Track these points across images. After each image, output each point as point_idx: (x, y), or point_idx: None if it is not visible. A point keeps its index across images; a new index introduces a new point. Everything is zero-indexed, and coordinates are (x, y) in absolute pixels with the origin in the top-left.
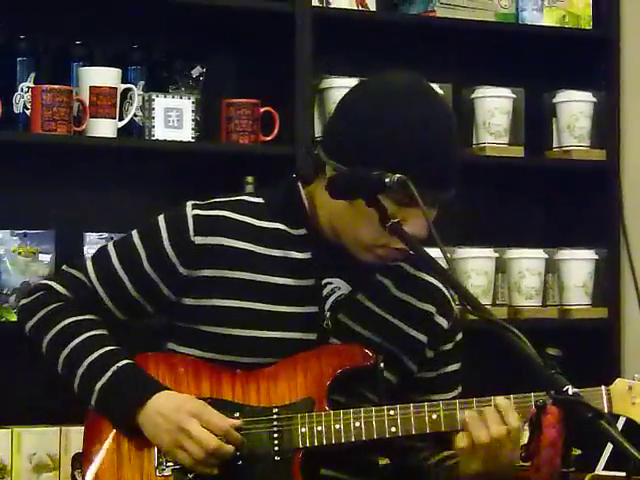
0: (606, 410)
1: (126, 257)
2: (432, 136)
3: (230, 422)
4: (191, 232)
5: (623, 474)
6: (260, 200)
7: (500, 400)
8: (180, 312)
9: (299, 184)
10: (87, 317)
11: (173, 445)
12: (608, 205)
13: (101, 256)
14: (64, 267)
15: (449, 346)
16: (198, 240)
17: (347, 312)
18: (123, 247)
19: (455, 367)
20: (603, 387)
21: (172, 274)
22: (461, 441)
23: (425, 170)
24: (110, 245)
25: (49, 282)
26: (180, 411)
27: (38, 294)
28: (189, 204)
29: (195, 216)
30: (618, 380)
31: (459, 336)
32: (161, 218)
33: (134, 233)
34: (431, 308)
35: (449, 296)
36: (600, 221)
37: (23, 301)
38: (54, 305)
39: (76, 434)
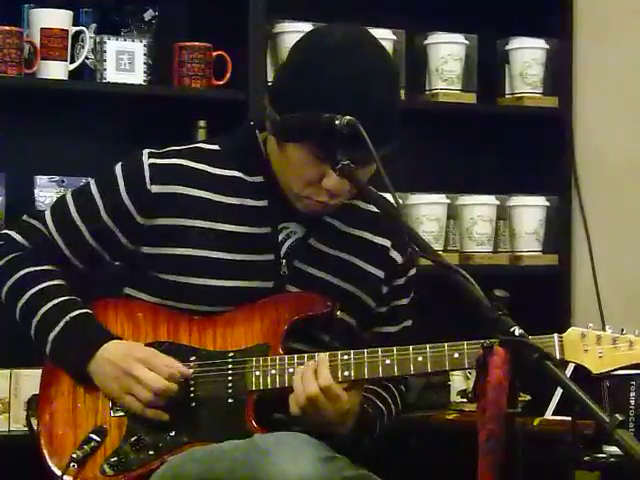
0: (558, 357)
1: (84, 207)
2: (367, 90)
3: (176, 366)
4: (147, 181)
5: (569, 418)
6: (216, 147)
7: (320, 355)
8: (138, 260)
9: (256, 131)
10: (45, 267)
11: (122, 391)
12: (560, 152)
13: (59, 206)
14: (24, 217)
15: (401, 281)
16: (154, 189)
17: (303, 258)
18: (81, 197)
19: (405, 301)
20: (555, 335)
21: (129, 223)
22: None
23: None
24: (68, 195)
25: (8, 232)
26: (127, 357)
27: None
28: (145, 152)
29: (151, 165)
30: (571, 328)
31: (412, 272)
32: (118, 167)
33: (92, 182)
34: (386, 242)
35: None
36: (552, 168)
37: None
38: (13, 255)
39: (26, 377)
